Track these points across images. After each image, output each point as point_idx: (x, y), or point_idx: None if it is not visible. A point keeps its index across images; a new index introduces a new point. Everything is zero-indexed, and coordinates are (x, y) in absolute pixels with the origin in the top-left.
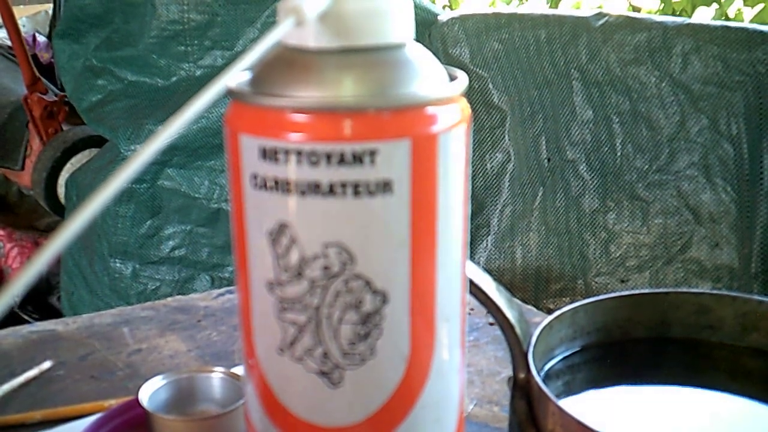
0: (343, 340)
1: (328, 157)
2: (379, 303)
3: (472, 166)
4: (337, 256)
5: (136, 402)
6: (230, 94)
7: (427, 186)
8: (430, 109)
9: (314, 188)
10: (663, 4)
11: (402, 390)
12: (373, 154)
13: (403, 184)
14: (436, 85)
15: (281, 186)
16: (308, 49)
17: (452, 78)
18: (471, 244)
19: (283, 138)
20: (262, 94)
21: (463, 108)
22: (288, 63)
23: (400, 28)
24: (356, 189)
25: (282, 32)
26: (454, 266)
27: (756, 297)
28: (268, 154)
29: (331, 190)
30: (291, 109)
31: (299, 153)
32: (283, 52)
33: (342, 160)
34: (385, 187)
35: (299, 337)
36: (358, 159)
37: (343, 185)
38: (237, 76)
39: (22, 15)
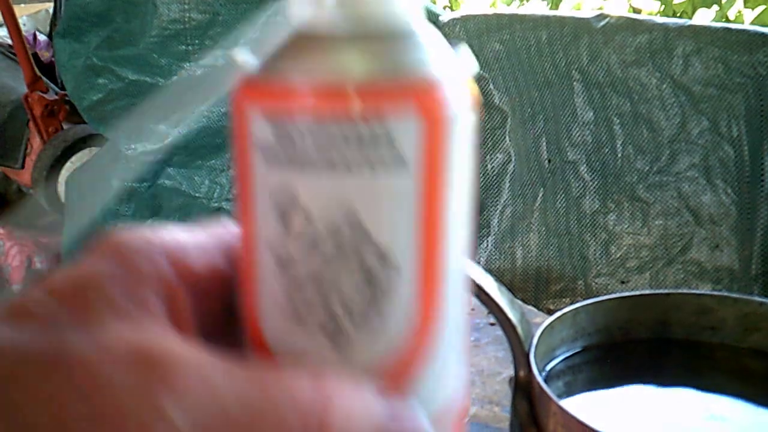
0: (350, 308)
1: (341, 132)
2: (388, 275)
3: None
4: (349, 230)
5: None
6: (239, 69)
7: (439, 163)
8: (443, 88)
9: (326, 163)
10: (663, 6)
11: (404, 361)
12: (385, 129)
13: (415, 160)
14: (448, 66)
15: (292, 160)
16: (321, 25)
17: (462, 62)
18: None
19: (294, 113)
20: (272, 70)
21: (473, 89)
22: (300, 39)
23: (413, 9)
24: (368, 164)
25: (300, 12)
26: (462, 244)
27: (757, 298)
28: (279, 130)
29: (343, 165)
30: (303, 84)
31: (310, 128)
32: (295, 29)
33: (354, 136)
34: (398, 162)
35: (304, 303)
36: (370, 135)
37: (356, 160)
38: (246, 53)
39: (22, 13)
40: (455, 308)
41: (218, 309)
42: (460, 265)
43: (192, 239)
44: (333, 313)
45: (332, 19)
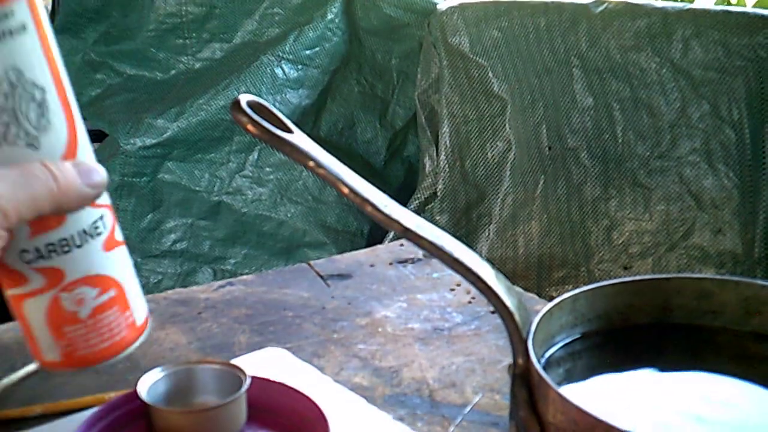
0: (32, 121)
1: None
2: (44, 96)
3: (473, 156)
4: (14, 75)
5: (136, 394)
6: None
7: (43, 24)
8: None
9: None
10: None
11: (70, 146)
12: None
13: (32, 23)
14: None
15: None
16: None
17: None
18: (473, 233)
19: None
20: None
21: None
22: None
23: None
24: (7, 33)
25: None
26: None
27: (759, 281)
28: None
29: None
30: None
31: None
32: None
33: None
34: (21, 28)
35: (6, 128)
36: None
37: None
38: None
39: None
40: (79, 116)
41: None
42: (72, 93)
43: None
44: (26, 128)
45: None
